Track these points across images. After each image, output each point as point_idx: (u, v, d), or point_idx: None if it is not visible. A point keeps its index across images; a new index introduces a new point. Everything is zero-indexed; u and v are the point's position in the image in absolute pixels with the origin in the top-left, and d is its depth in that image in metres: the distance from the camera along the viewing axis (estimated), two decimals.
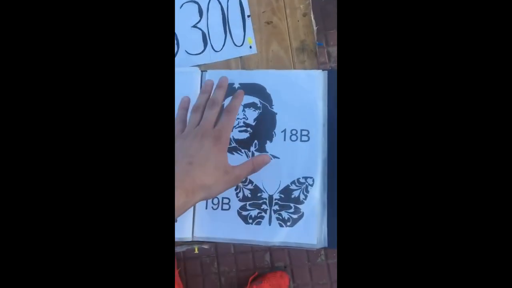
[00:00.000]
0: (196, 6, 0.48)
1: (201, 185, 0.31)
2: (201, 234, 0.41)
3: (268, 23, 0.48)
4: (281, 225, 0.41)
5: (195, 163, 0.31)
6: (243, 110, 0.44)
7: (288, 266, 0.95)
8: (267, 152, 0.42)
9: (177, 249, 0.43)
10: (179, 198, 0.29)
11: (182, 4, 0.48)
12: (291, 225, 0.41)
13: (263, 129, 0.43)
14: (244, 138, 0.43)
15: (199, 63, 0.47)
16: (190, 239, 0.41)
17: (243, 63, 0.47)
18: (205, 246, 0.41)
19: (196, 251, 0.42)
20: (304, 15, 0.47)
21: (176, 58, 0.47)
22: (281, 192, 0.41)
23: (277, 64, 0.46)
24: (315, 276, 0.95)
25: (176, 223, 0.40)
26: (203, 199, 0.33)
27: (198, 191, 0.31)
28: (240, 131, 0.43)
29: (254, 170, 0.36)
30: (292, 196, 0.41)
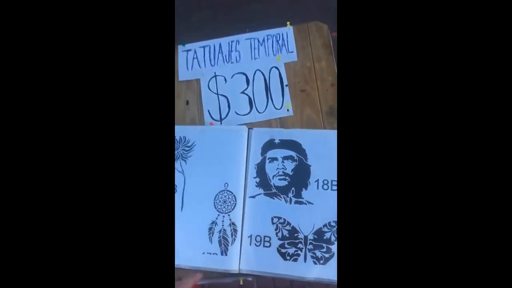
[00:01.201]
0: (244, 76, 0.60)
1: None
2: (246, 267, 0.48)
3: (302, 91, 0.58)
4: (315, 263, 0.47)
5: None
6: (282, 162, 0.53)
7: None
8: (303, 198, 0.50)
9: (223, 280, 0.50)
10: None
11: (233, 75, 0.60)
12: (324, 263, 0.47)
13: (299, 178, 0.51)
14: (283, 186, 0.51)
15: (246, 122, 0.57)
16: (237, 271, 0.47)
17: (281, 122, 0.57)
18: (249, 279, 0.48)
19: (241, 283, 0.48)
20: (332, 85, 0.58)
21: (227, 118, 0.58)
22: (314, 233, 0.49)
23: (310, 124, 0.56)
24: None
25: (224, 256, 0.47)
26: None
27: None
28: (279, 179, 0.52)
29: None
30: (324, 237, 0.48)
